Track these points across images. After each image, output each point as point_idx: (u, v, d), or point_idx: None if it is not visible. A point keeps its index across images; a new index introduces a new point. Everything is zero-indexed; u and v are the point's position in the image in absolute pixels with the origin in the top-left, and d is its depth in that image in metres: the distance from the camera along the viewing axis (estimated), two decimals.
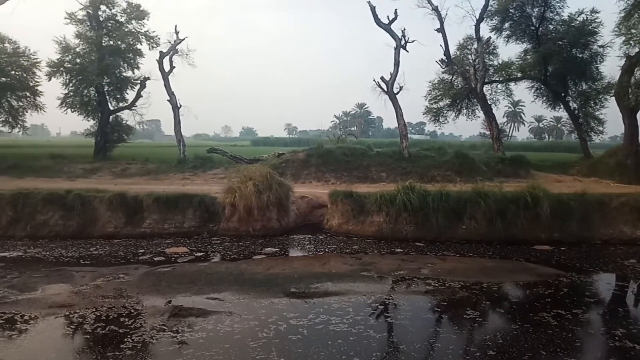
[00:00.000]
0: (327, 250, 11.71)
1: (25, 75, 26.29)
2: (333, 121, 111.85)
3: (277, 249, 11.71)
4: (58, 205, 13.05)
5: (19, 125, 27.31)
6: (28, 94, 26.65)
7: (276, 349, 5.87)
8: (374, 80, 23.07)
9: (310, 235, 13.23)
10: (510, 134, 60.23)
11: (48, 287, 8.38)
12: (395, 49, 22.91)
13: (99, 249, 11.56)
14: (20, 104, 26.89)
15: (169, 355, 5.79)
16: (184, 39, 26.09)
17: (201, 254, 11.18)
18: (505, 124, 63.34)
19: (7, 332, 6.48)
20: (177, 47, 26.01)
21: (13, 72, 25.88)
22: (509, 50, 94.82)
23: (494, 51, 28.97)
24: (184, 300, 7.75)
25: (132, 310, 7.32)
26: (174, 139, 27.37)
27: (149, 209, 13.22)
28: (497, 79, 29.11)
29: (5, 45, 25.84)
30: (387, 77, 22.69)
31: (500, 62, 29.12)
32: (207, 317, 6.99)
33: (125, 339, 6.21)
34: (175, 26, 26.02)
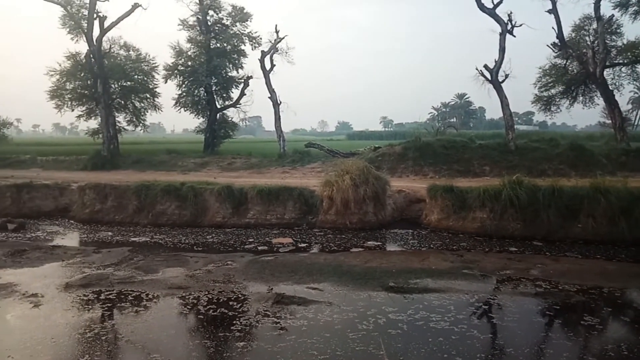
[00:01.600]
0: (425, 245, 11.44)
1: (146, 79, 29.19)
2: (431, 113, 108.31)
3: (374, 243, 11.70)
4: (174, 196, 14.33)
5: (141, 124, 30.41)
6: (148, 96, 29.55)
7: (375, 343, 5.88)
8: (477, 69, 21.89)
9: (407, 230, 13.01)
10: (636, 123, 53.39)
11: (167, 270, 9.26)
12: (501, 34, 21.49)
13: (209, 237, 12.52)
14: (142, 104, 29.92)
15: (273, 340, 6.08)
16: (283, 38, 27.06)
17: (304, 244, 11.57)
18: (631, 111, 56.25)
19: (135, 308, 7.30)
20: (277, 46, 27.04)
21: (136, 77, 28.87)
22: (637, 29, 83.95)
23: (617, 30, 25.84)
24: (285, 288, 8.08)
25: (240, 295, 7.81)
26: (274, 134, 28.56)
27: (253, 200, 13.97)
28: (621, 61, 25.97)
29: (130, 53, 28.90)
30: (491, 65, 21.40)
31: (625, 42, 25.91)
32: (307, 306, 7.21)
33: (234, 321, 6.65)
34: (276, 25, 27.07)
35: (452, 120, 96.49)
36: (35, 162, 26.32)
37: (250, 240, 12.08)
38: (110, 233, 13.15)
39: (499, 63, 21.33)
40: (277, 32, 26.99)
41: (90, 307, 7.37)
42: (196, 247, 11.50)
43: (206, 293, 7.82)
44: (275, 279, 8.67)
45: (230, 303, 7.42)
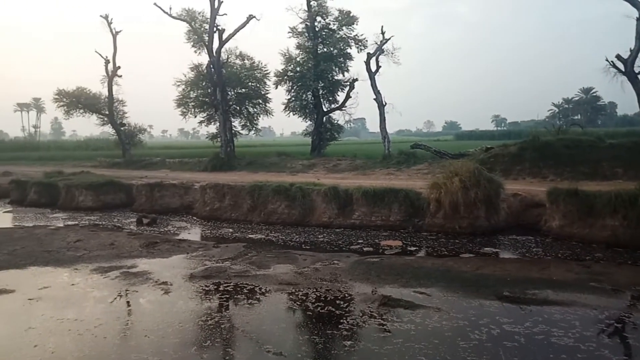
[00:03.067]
0: (546, 254, 10.53)
1: (258, 85, 31.08)
2: (550, 110, 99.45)
3: (491, 249, 11.07)
4: (284, 196, 15.00)
5: (254, 128, 32.40)
6: (261, 101, 31.42)
7: (489, 354, 5.56)
8: (607, 60, 19.64)
9: (524, 237, 12.09)
10: None
11: (278, 266, 9.73)
12: (638, 19, 19.01)
13: (316, 236, 12.89)
14: (255, 110, 31.91)
15: (380, 342, 6.07)
16: (389, 39, 26.89)
17: (414, 248, 11.36)
18: None
19: (249, 301, 7.80)
20: (383, 47, 26.95)
21: (250, 84, 30.85)
22: None
23: None
24: (391, 291, 8.01)
25: (346, 295, 7.93)
26: (378, 135, 28.53)
27: (358, 202, 14.07)
28: None
29: (244, 62, 30.97)
30: (625, 55, 19.02)
31: None
32: (414, 310, 7.07)
33: (342, 320, 6.77)
34: (382, 27, 27.01)
35: (577, 117, 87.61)
36: (164, 164, 29.43)
37: (360, 241, 12.18)
38: (227, 230, 14.21)
39: (634, 52, 18.89)
40: (382, 33, 26.93)
41: (211, 297, 8.03)
42: (304, 245, 11.91)
43: (314, 290, 8.06)
44: (381, 280, 8.64)
45: (337, 302, 7.56)
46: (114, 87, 33.54)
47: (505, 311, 7.01)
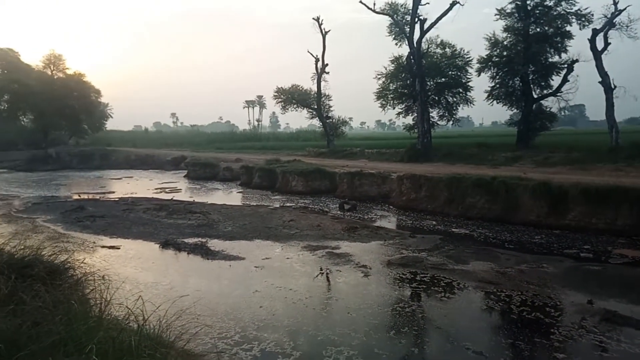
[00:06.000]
0: None
1: (459, 73, 29.84)
2: None
3: None
4: (484, 190, 14.17)
5: (452, 118, 31.36)
6: (461, 90, 30.13)
7: None
8: None
9: None
10: None
11: (476, 262, 9.29)
12: None
13: (520, 235, 11.84)
14: (455, 99, 30.78)
15: None
16: (624, 9, 22.56)
17: None
18: None
19: (446, 294, 7.65)
20: (614, 20, 22.80)
21: (450, 73, 29.88)
22: None
23: None
24: (617, 306, 6.83)
25: (557, 303, 7.10)
26: (599, 125, 24.67)
27: (575, 200, 12.36)
28: None
29: (445, 50, 30.12)
30: None
31: None
32: None
33: (552, 330, 6.10)
34: None
35: None
36: (363, 154, 30.93)
37: (576, 245, 10.75)
38: (423, 221, 14.19)
39: None
40: (615, 3, 22.73)
41: (407, 285, 8.17)
42: (507, 244, 11.07)
43: (519, 293, 7.44)
44: (604, 292, 7.45)
45: (547, 309, 6.83)
46: (322, 83, 36.63)
47: None
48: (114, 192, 22.72)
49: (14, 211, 16.79)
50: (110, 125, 61.58)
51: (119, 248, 10.88)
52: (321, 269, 9.14)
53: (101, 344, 2.85)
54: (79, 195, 21.90)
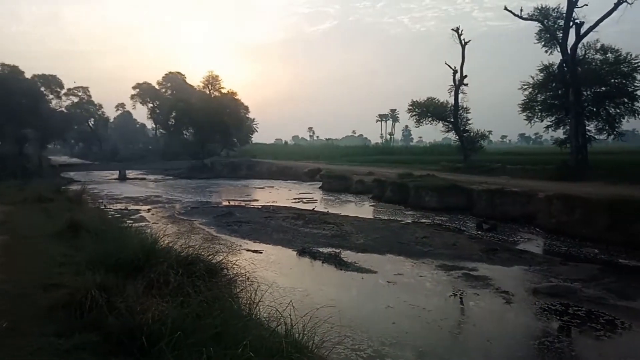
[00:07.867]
0: None
1: (624, 81, 26.12)
2: None
3: None
4: None
5: (614, 132, 27.54)
6: (626, 100, 26.33)
7: None
8: None
9: None
10: None
11: None
12: None
13: None
14: (617, 110, 26.99)
15: None
16: None
17: None
18: None
19: (607, 333, 6.68)
20: None
21: (612, 81, 26.32)
22: None
23: None
24: None
25: None
26: None
27: None
28: None
29: (607, 55, 26.68)
30: None
31: None
32: None
33: None
34: None
35: None
36: (504, 170, 28.77)
37: None
38: (576, 247, 12.64)
39: None
40: None
41: (557, 317, 7.35)
42: None
43: None
44: None
45: None
46: (460, 96, 35.23)
47: None
48: (257, 200, 24.71)
49: (177, 213, 19.31)
50: (254, 138, 67.50)
51: (262, 252, 11.77)
52: (457, 291, 8.71)
53: (253, 342, 3.10)
54: (228, 202, 24.31)
